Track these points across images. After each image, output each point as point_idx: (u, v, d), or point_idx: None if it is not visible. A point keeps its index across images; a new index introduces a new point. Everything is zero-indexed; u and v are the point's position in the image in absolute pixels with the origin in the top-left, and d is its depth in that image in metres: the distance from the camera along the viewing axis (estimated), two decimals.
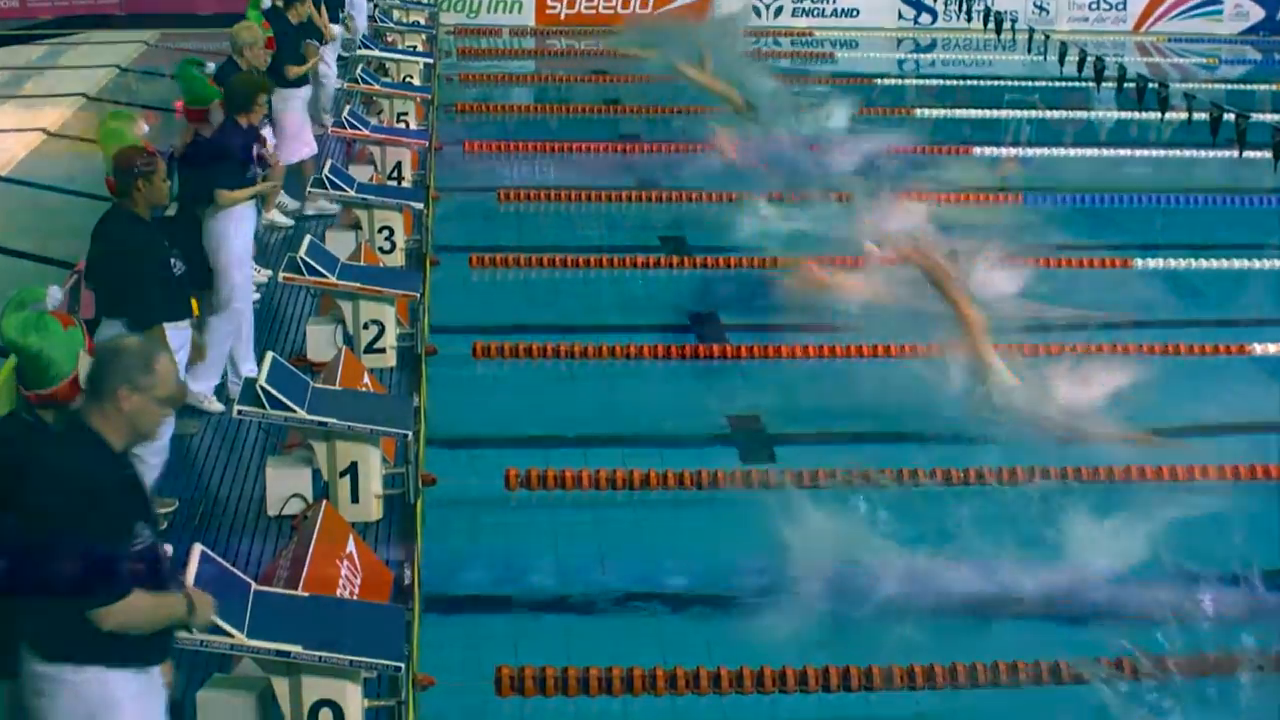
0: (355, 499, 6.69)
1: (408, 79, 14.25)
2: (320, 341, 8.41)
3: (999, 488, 7.49)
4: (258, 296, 8.92)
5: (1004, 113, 16.04)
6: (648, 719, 5.76)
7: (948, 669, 5.89)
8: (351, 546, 6.01)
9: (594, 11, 20.66)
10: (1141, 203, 12.92)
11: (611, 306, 10.12)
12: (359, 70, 13.51)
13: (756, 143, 13.03)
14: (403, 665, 5.04)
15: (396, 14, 17.25)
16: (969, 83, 17.85)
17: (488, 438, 8.05)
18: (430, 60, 15.30)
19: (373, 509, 6.75)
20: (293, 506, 6.71)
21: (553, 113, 15.63)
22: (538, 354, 8.99)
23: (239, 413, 6.67)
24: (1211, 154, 13.19)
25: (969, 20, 19.08)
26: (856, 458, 7.64)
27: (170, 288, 6.65)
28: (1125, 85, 12.93)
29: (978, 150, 14.04)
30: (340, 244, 9.52)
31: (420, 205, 10.33)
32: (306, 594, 5.29)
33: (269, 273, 9.50)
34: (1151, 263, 11.00)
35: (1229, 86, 18.84)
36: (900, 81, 19.11)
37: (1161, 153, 14.55)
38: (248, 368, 7.83)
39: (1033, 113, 16.34)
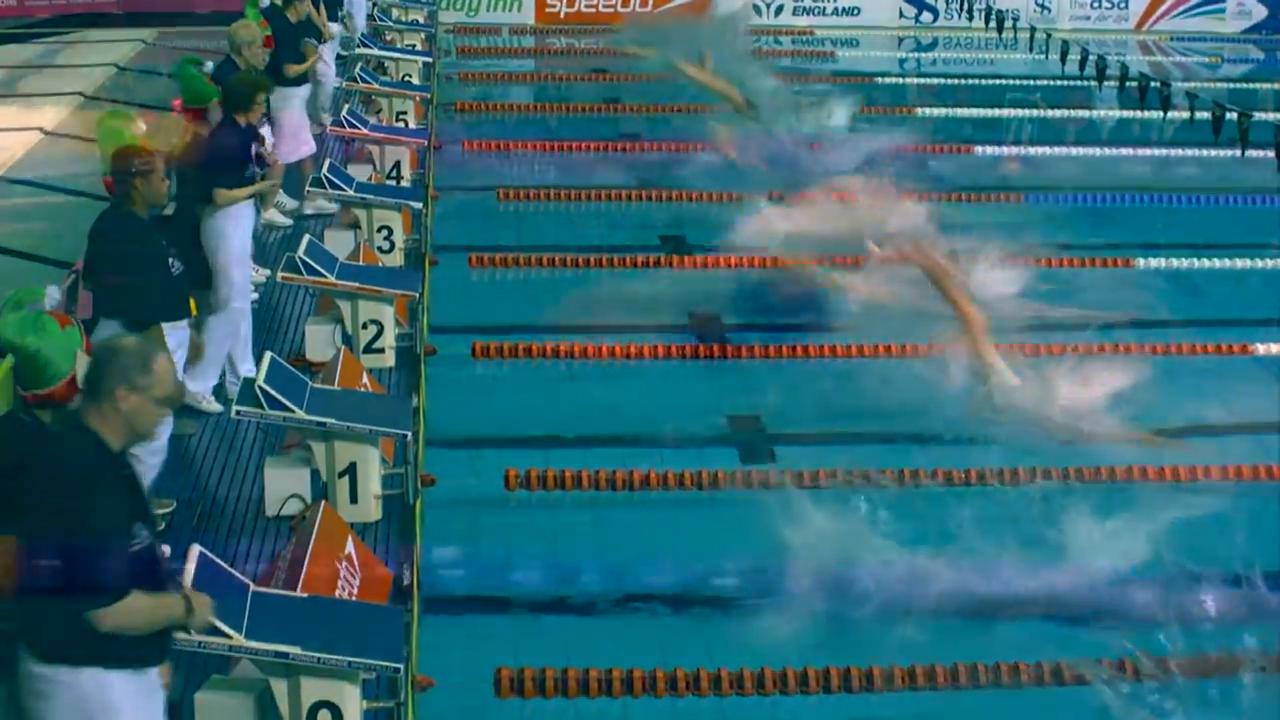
0: (354, 499, 6.68)
1: (407, 78, 14.23)
2: (319, 341, 8.39)
3: (999, 488, 7.48)
4: (256, 296, 8.90)
5: (1005, 112, 16.02)
6: None
7: (948, 670, 5.88)
8: (350, 547, 5.99)
9: (594, 10, 20.64)
10: (1143, 202, 12.90)
11: (611, 306, 10.09)
12: (358, 69, 13.49)
13: (757, 141, 13.00)
14: (402, 666, 5.02)
15: (395, 12, 17.23)
16: (970, 81, 17.82)
17: (487, 438, 8.03)
18: (429, 59, 15.28)
19: (372, 509, 6.73)
20: (291, 507, 6.69)
21: (552, 112, 15.61)
22: (537, 354, 8.97)
23: (237, 413, 6.65)
24: (1213, 153, 13.16)
25: (970, 19, 19.06)
26: (856, 458, 7.63)
27: (168, 287, 6.63)
28: (1127, 84, 12.90)
29: (979, 149, 14.01)
30: (339, 243, 9.51)
31: (419, 204, 10.31)
32: (305, 595, 5.28)
33: (267, 272, 9.48)
34: (1153, 262, 10.98)
35: (1231, 85, 18.82)
36: (901, 80, 19.08)
37: (1163, 152, 14.52)
38: (246, 368, 7.81)
39: (1034, 112, 16.32)
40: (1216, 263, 11.08)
